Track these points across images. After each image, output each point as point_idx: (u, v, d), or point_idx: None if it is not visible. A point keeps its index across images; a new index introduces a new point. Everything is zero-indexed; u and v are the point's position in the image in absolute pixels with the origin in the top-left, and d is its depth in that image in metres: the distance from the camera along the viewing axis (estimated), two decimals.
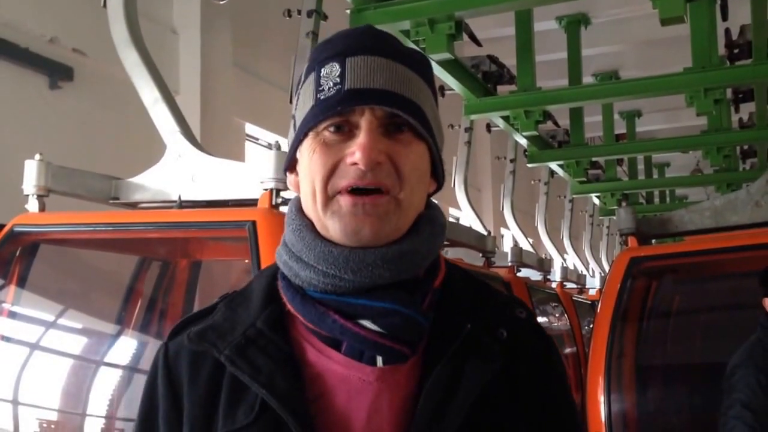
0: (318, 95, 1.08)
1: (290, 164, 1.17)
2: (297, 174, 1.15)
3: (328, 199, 1.07)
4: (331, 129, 1.08)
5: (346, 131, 1.08)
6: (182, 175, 3.49)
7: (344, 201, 1.06)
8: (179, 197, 3.43)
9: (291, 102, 1.21)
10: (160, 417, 1.15)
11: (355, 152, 1.06)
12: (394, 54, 1.10)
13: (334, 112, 1.06)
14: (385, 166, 1.07)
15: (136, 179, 3.61)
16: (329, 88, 1.07)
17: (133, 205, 3.64)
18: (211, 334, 1.12)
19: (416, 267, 1.10)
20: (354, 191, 1.06)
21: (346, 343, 1.07)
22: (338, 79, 1.07)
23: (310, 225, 1.11)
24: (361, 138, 1.06)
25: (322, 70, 1.09)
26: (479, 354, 1.08)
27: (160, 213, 3.49)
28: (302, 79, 1.14)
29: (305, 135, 1.10)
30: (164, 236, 3.55)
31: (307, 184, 1.10)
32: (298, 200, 1.17)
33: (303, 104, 1.12)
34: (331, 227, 1.07)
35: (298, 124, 1.12)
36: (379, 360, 1.07)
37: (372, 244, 1.06)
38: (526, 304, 1.21)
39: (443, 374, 1.06)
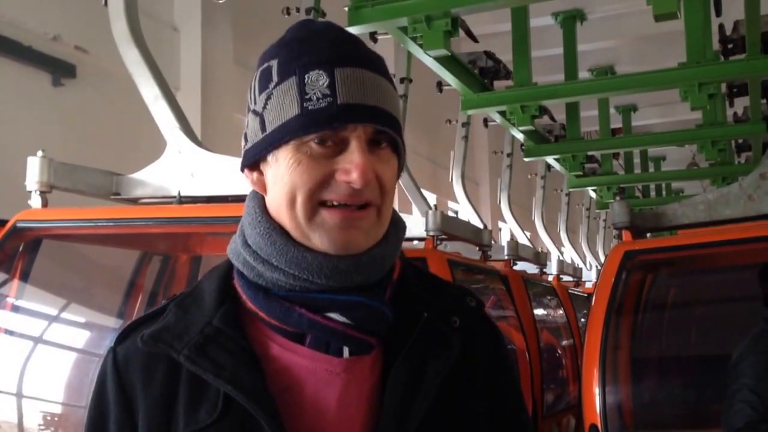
0: (305, 104, 1.05)
1: (254, 162, 1.14)
2: (261, 173, 1.13)
3: (312, 210, 1.07)
4: (316, 141, 1.06)
5: (330, 145, 1.07)
6: (182, 171, 3.52)
7: (331, 215, 1.07)
8: (179, 193, 3.46)
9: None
10: (111, 423, 1.13)
11: (351, 172, 1.05)
12: (372, 64, 1.11)
13: (329, 128, 1.05)
14: (372, 183, 1.08)
15: (137, 175, 3.64)
16: (318, 99, 1.05)
17: (134, 201, 3.68)
18: (166, 335, 1.10)
19: (384, 270, 1.13)
20: (341, 205, 1.07)
21: (310, 337, 1.09)
22: (328, 91, 1.05)
23: (279, 228, 1.10)
24: (357, 158, 1.06)
25: (306, 76, 1.06)
26: (438, 341, 1.14)
27: (161, 209, 3.52)
28: (273, 77, 1.09)
29: (285, 142, 1.07)
30: (165, 231, 3.58)
31: (283, 191, 1.08)
32: (261, 200, 1.15)
33: (280, 107, 1.07)
34: (317, 239, 1.08)
35: (272, 125, 1.08)
36: (346, 351, 1.09)
37: (354, 253, 1.09)
38: (476, 294, 1.25)
39: (407, 363, 1.11)
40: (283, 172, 1.08)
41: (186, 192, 3.45)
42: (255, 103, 1.11)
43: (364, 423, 1.09)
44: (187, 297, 1.16)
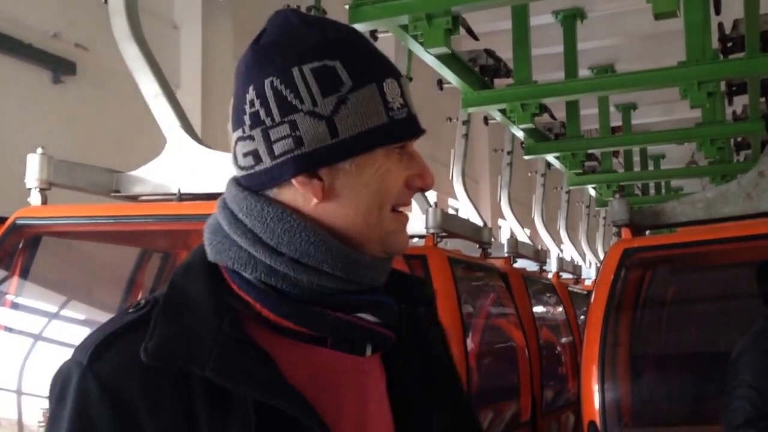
0: (389, 113, 1.06)
1: (317, 168, 1.06)
2: (320, 179, 1.06)
3: (389, 216, 1.09)
4: (398, 149, 1.08)
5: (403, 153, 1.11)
6: (182, 168, 3.53)
7: (399, 219, 1.11)
8: (179, 190, 3.47)
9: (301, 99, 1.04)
10: None
11: (426, 177, 1.11)
12: None
13: (412, 137, 1.10)
14: None
15: (137, 172, 3.65)
16: (398, 108, 1.06)
17: (134, 198, 3.69)
18: (178, 347, 0.98)
19: None
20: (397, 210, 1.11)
21: (331, 339, 1.08)
22: (402, 101, 1.07)
23: (329, 234, 1.07)
24: (423, 164, 1.11)
25: (384, 84, 1.06)
26: (420, 331, 1.19)
27: (161, 206, 3.53)
28: (344, 80, 1.04)
29: (371, 149, 1.06)
30: (164, 229, 3.59)
31: (369, 198, 1.07)
32: (292, 206, 1.08)
33: (363, 113, 1.04)
34: (391, 243, 1.10)
35: (351, 131, 1.04)
36: (368, 349, 1.10)
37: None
38: (429, 282, 1.32)
39: (410, 353, 1.16)
40: (368, 180, 1.06)
41: (186, 189, 3.45)
42: (314, 105, 1.03)
43: (390, 417, 1.12)
44: (170, 304, 1.04)
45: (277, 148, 1.04)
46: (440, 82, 6.75)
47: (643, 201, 11.77)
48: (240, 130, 1.07)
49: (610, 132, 9.98)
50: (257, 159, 1.06)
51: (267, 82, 1.05)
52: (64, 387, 1.00)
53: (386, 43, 6.94)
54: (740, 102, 8.42)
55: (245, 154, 1.07)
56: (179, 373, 0.97)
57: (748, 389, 2.97)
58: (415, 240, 4.78)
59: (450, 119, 7.93)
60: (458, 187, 7.13)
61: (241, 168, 1.08)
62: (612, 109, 10.42)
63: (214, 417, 0.97)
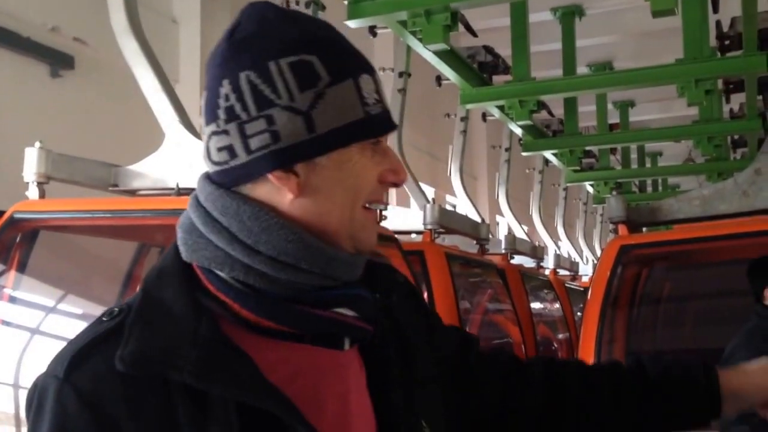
0: (365, 108, 1.06)
1: (294, 163, 1.05)
2: (296, 174, 1.05)
3: (362, 212, 1.10)
4: (373, 144, 1.09)
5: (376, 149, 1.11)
6: (181, 162, 3.54)
7: (370, 215, 1.11)
8: (177, 184, 3.48)
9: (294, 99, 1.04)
10: None
11: (399, 172, 1.12)
12: None
13: (386, 133, 1.10)
14: None
15: (135, 167, 3.66)
16: (373, 104, 1.07)
17: (132, 193, 3.69)
18: (156, 353, 0.96)
19: None
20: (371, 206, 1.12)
21: (309, 335, 1.07)
22: (377, 96, 1.08)
23: (305, 231, 1.06)
24: (396, 159, 1.12)
25: (360, 80, 1.07)
26: (394, 320, 1.19)
27: (159, 200, 3.53)
28: (322, 75, 1.04)
29: (347, 144, 1.06)
30: (163, 223, 3.59)
31: (343, 194, 1.07)
32: (267, 203, 1.06)
33: (340, 108, 1.04)
34: (361, 240, 1.10)
35: (328, 126, 1.04)
36: (347, 343, 1.11)
37: None
38: (397, 269, 1.30)
39: (388, 343, 1.16)
40: (343, 176, 1.06)
41: (184, 184, 3.46)
42: (292, 100, 1.03)
43: (371, 408, 1.12)
44: (145, 310, 1.01)
45: (253, 143, 1.03)
46: (438, 79, 6.76)
47: (640, 198, 11.78)
48: (214, 125, 1.05)
49: (608, 129, 9.99)
50: (232, 154, 1.04)
51: (243, 75, 1.04)
52: (41, 401, 0.97)
53: (385, 39, 6.96)
54: (737, 100, 8.43)
55: (219, 149, 1.05)
56: (158, 380, 0.96)
57: None
58: (413, 236, 4.80)
59: (448, 115, 7.95)
60: (456, 183, 7.14)
61: (215, 163, 1.07)
62: (610, 106, 10.43)
63: (197, 421, 0.95)
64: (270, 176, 1.04)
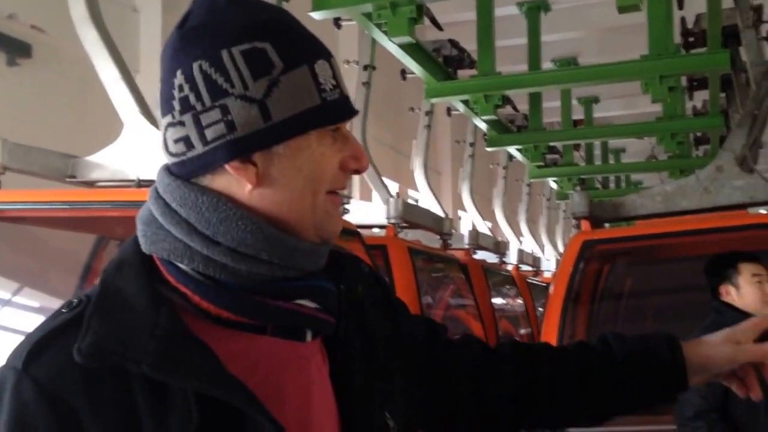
0: (322, 95, 1.04)
1: (251, 152, 1.04)
2: (254, 164, 1.04)
3: (324, 199, 1.09)
4: (332, 131, 1.07)
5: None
6: (141, 153, 3.49)
7: (333, 202, 1.09)
8: (138, 177, 3.43)
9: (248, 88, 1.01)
10: None
11: (361, 158, 1.10)
12: None
13: (345, 119, 1.08)
14: None
15: (94, 158, 3.60)
16: (330, 90, 1.05)
17: (91, 184, 3.63)
18: (113, 345, 0.95)
19: None
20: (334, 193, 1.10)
21: (271, 326, 1.06)
22: (334, 82, 1.06)
23: (265, 222, 1.05)
24: (359, 145, 1.10)
25: (315, 66, 1.05)
26: (358, 311, 1.18)
27: (118, 192, 3.48)
28: (275, 63, 1.03)
29: (306, 132, 1.04)
30: (122, 215, 3.54)
31: (304, 183, 1.05)
32: (226, 194, 1.05)
33: (295, 96, 1.03)
34: (326, 228, 1.09)
35: (284, 114, 1.03)
36: (309, 335, 1.09)
37: None
38: (362, 259, 1.29)
39: (351, 335, 1.15)
40: (302, 164, 1.05)
41: (145, 175, 3.41)
42: (245, 88, 1.01)
43: (334, 401, 1.10)
44: (104, 302, 1.00)
45: (209, 134, 1.01)
46: (403, 72, 6.73)
47: (603, 194, 11.88)
48: (169, 116, 1.04)
49: (572, 125, 10.05)
50: (189, 145, 1.03)
51: (195, 65, 1.02)
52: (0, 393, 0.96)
53: (349, 32, 6.92)
54: (701, 97, 8.53)
55: (176, 141, 1.03)
56: (117, 371, 0.94)
57: None
58: (375, 230, 4.78)
59: (413, 109, 7.93)
60: (420, 178, 7.13)
61: (173, 155, 1.05)
62: (574, 102, 10.49)
63: (157, 413, 0.95)
64: (227, 167, 1.02)
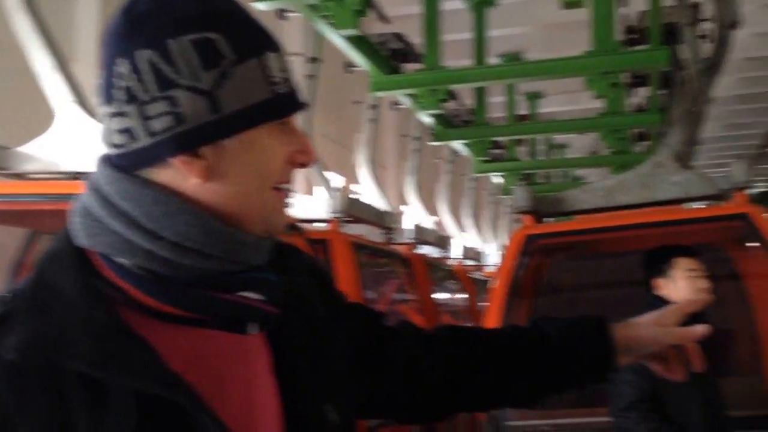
0: (272, 87, 1.03)
1: (199, 146, 1.01)
2: (200, 157, 1.01)
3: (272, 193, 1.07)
4: (281, 124, 1.06)
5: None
6: (76, 145, 3.41)
7: (280, 196, 1.08)
8: (72, 168, 3.36)
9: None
10: None
11: (308, 152, 1.09)
12: None
13: (295, 112, 1.07)
14: None
15: (25, 149, 3.50)
16: (280, 83, 1.04)
17: (22, 176, 3.53)
18: (46, 342, 0.92)
19: None
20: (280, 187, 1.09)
21: (212, 319, 1.04)
22: (284, 75, 1.05)
23: (211, 216, 1.02)
24: (305, 139, 1.09)
25: (267, 58, 1.03)
26: (301, 301, 1.17)
27: (52, 184, 3.39)
28: (226, 54, 1.00)
29: (256, 125, 1.02)
30: (56, 208, 3.44)
31: (254, 176, 1.04)
32: (170, 187, 1.02)
33: (246, 88, 1.01)
34: (272, 222, 1.08)
35: (235, 107, 1.00)
36: (253, 327, 1.07)
37: None
38: (303, 250, 1.30)
39: (295, 326, 1.14)
40: (252, 157, 1.03)
41: (80, 167, 3.33)
42: (195, 80, 0.98)
43: (277, 394, 1.09)
44: (36, 297, 0.97)
45: (155, 126, 0.98)
46: (349, 65, 6.69)
47: (547, 189, 11.97)
48: (111, 106, 1.01)
49: (517, 120, 10.13)
50: (132, 137, 0.99)
51: (141, 54, 0.99)
52: None
53: (295, 23, 6.85)
54: (643, 94, 8.65)
55: (119, 131, 1.00)
56: (49, 369, 0.92)
57: (630, 374, 3.11)
58: (318, 224, 4.74)
59: (357, 103, 7.89)
60: (364, 172, 7.09)
61: (115, 146, 1.02)
62: (520, 97, 10.56)
63: (92, 412, 0.92)
64: (173, 160, 1.00)
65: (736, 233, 4.18)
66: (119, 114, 1.00)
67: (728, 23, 4.53)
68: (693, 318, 1.36)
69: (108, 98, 1.01)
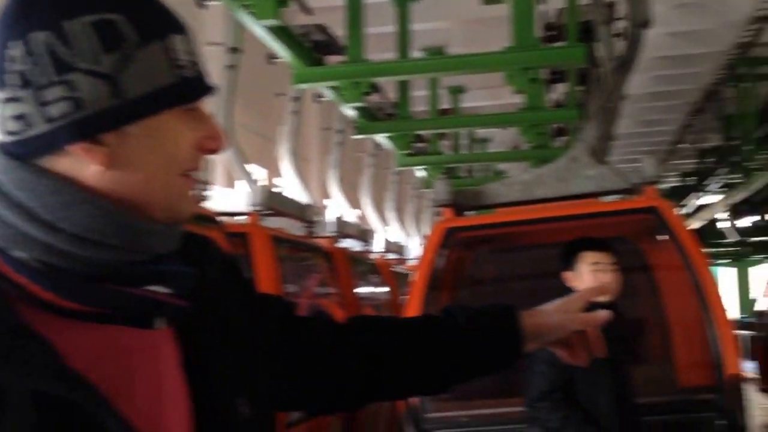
0: (178, 71, 0.98)
1: (100, 132, 0.96)
2: (101, 144, 0.96)
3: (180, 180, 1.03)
4: (187, 110, 1.02)
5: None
6: None
7: (186, 184, 1.03)
8: None
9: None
10: None
11: (217, 139, 1.04)
12: None
13: (204, 95, 1.03)
14: None
15: None
16: (187, 66, 1.00)
17: None
18: None
19: None
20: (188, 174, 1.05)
21: (117, 314, 0.99)
22: (191, 58, 1.01)
23: (113, 205, 0.98)
24: (214, 125, 1.05)
25: (172, 41, 0.99)
26: (214, 294, 1.14)
27: None
28: (128, 36, 0.96)
29: (160, 110, 0.98)
30: None
31: (158, 163, 0.99)
32: (68, 177, 0.97)
33: (149, 72, 0.97)
34: (178, 210, 1.03)
35: (138, 91, 0.96)
36: (161, 321, 1.03)
37: None
38: (214, 241, 1.27)
39: (206, 320, 1.10)
40: (158, 144, 0.98)
41: None
42: (94, 63, 0.93)
43: (186, 390, 1.06)
44: None
45: (52, 111, 0.93)
46: (271, 56, 6.63)
47: (470, 183, 12.11)
48: (4, 91, 0.95)
49: (440, 114, 10.20)
50: (28, 123, 0.94)
51: (37, 36, 0.93)
52: None
53: (215, 13, 6.76)
54: (562, 90, 8.81)
55: (13, 117, 0.95)
56: None
57: (543, 364, 3.18)
58: (238, 218, 4.70)
59: (280, 95, 7.83)
60: (286, 165, 7.06)
61: (9, 133, 0.96)
62: (442, 91, 10.63)
63: None
64: (73, 147, 0.95)
65: (647, 226, 4.29)
66: (13, 99, 0.95)
67: (640, 22, 4.65)
68: (603, 308, 1.41)
69: (1, 83, 0.95)
